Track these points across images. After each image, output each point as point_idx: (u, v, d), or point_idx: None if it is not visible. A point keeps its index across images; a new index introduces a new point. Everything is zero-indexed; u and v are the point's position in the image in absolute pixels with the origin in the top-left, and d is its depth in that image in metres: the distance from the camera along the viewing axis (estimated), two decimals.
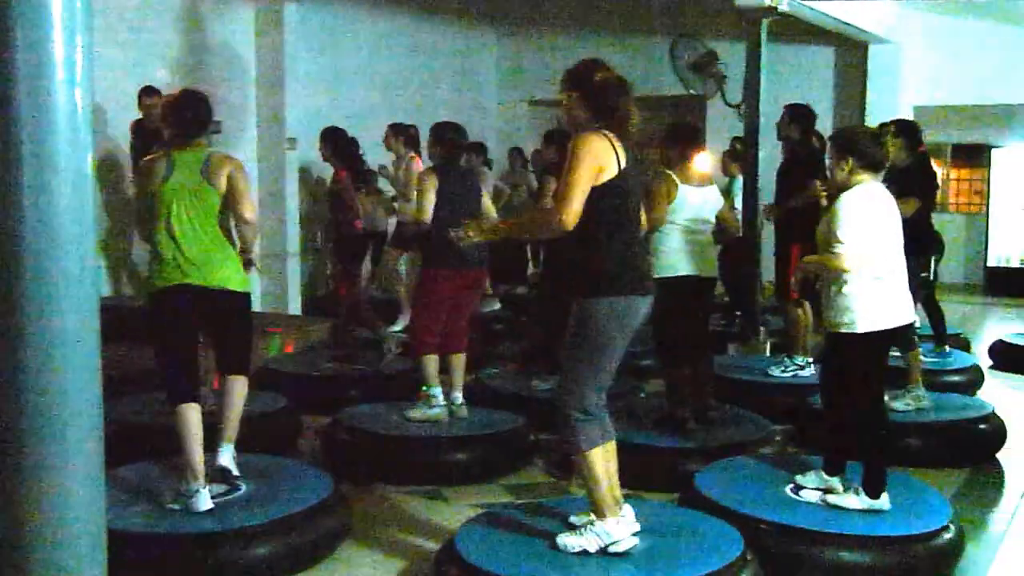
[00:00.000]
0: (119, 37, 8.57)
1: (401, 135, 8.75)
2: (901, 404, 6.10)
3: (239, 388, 4.59)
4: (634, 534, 3.87)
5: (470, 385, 6.33)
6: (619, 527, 3.83)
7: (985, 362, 8.54)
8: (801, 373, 6.97)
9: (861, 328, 4.33)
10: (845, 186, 4.43)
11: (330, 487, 4.56)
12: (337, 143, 7.55)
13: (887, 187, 6.10)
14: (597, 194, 3.72)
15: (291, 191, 9.96)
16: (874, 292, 4.35)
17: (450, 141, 5.91)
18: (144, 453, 4.91)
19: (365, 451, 5.55)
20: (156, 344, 4.48)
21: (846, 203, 4.35)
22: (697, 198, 5.69)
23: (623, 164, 3.77)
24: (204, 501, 4.24)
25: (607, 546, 3.81)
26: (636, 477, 4.58)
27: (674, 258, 5.61)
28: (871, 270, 4.32)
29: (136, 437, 5.31)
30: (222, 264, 4.45)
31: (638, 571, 3.71)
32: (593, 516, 3.85)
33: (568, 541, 3.83)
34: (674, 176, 5.63)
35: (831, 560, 4.11)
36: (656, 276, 5.52)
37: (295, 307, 10.03)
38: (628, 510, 3.90)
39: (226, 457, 4.51)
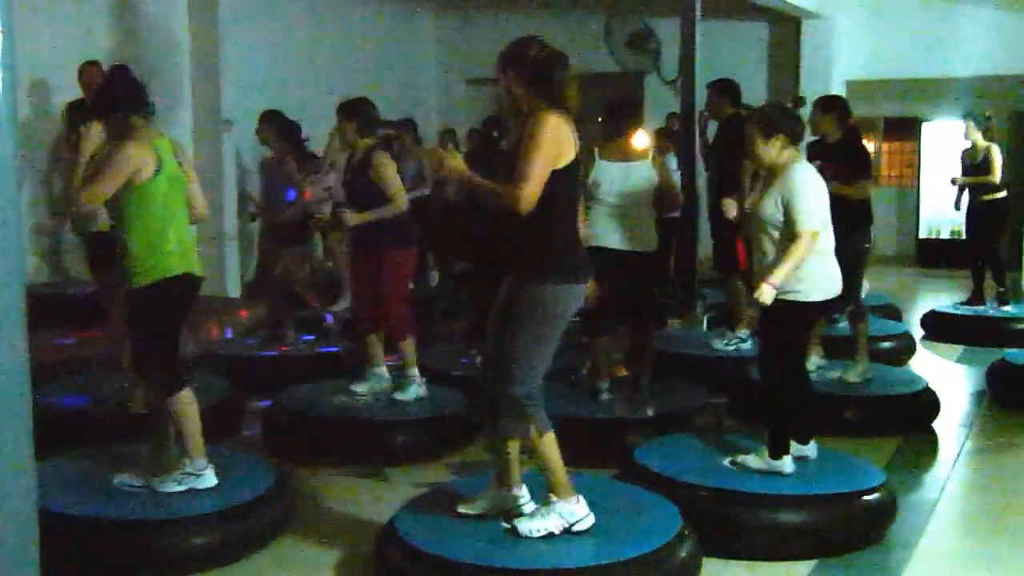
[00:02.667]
0: (47, 16, 8.38)
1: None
2: (854, 375, 6.23)
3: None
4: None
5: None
6: (579, 506, 3.85)
7: (917, 332, 8.73)
8: (743, 346, 7.07)
9: (812, 297, 4.46)
10: (775, 163, 4.49)
11: (271, 473, 4.53)
12: (282, 127, 7.49)
13: (819, 162, 6.25)
14: (555, 179, 3.67)
15: (228, 173, 9.83)
16: (821, 263, 4.50)
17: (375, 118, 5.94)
18: (81, 440, 4.85)
19: (306, 433, 5.53)
20: (154, 333, 4.37)
21: (802, 179, 4.44)
22: (619, 174, 5.69)
23: (577, 148, 3.76)
24: (212, 476, 4.32)
25: (571, 525, 3.83)
26: (573, 451, 4.59)
27: (594, 231, 5.65)
28: (819, 242, 4.45)
29: (72, 424, 5.25)
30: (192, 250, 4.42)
31: (575, 549, 3.74)
32: (552, 496, 3.85)
33: (531, 526, 3.82)
34: (595, 152, 5.67)
35: (768, 521, 4.20)
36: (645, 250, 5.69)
37: (233, 290, 9.92)
38: None
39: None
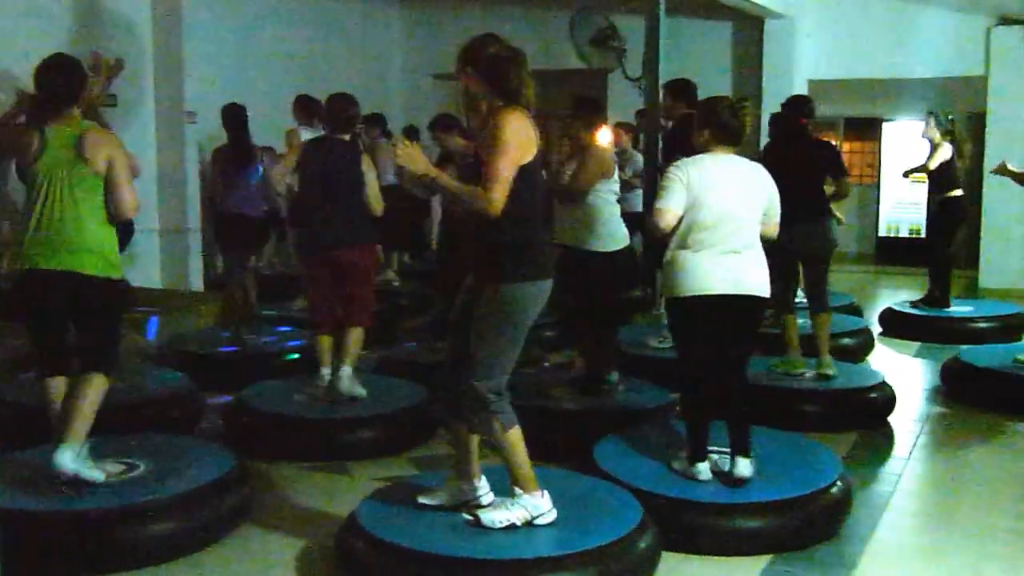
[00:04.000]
0: (7, 8, 8.29)
1: (307, 108, 8.63)
2: (832, 371, 6.32)
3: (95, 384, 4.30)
4: None
5: (377, 359, 6.36)
6: (544, 500, 3.88)
7: (876, 329, 8.85)
8: None
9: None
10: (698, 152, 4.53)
11: (231, 463, 4.53)
12: (227, 119, 7.46)
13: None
14: (520, 175, 3.69)
15: (191, 165, 9.76)
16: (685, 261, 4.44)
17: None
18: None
19: (267, 429, 5.52)
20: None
21: (674, 171, 4.45)
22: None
23: (537, 144, 3.78)
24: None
25: (534, 518, 3.86)
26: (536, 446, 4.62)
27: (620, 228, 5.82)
28: (693, 237, 4.40)
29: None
30: (85, 248, 4.19)
31: (535, 539, 3.77)
32: (517, 489, 3.88)
33: (495, 517, 3.85)
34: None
35: (726, 527, 4.24)
36: (611, 249, 5.74)
37: (196, 284, 9.86)
38: None
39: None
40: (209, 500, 4.23)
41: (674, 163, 4.50)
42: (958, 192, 8.74)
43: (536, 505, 3.87)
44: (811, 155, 6.39)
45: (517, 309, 3.76)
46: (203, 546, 4.17)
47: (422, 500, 4.06)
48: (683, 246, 4.42)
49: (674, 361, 4.71)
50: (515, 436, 3.85)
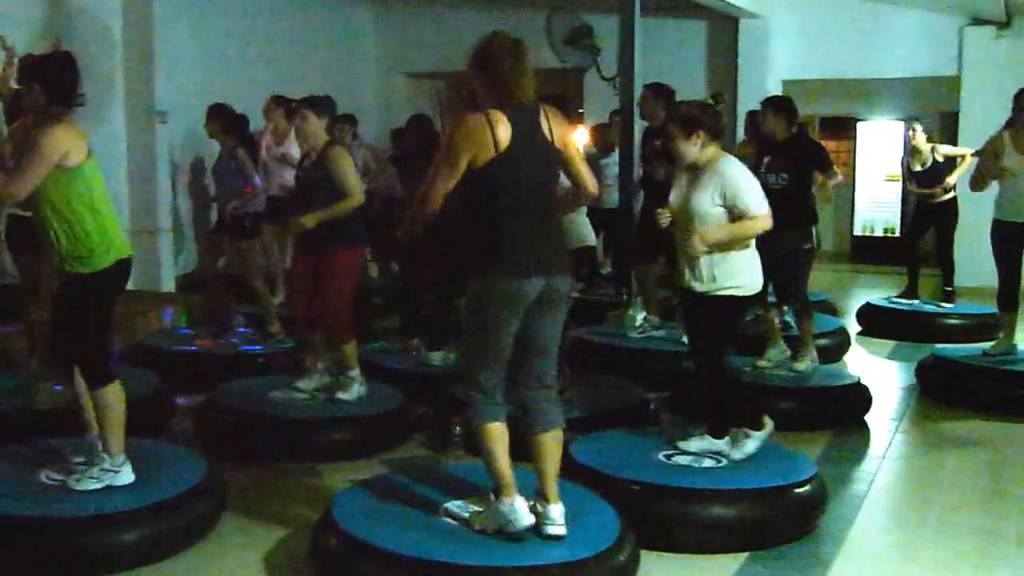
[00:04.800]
0: None
1: (283, 107, 8.57)
2: (803, 365, 6.41)
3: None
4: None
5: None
6: (514, 508, 3.72)
7: (853, 327, 8.86)
8: (654, 333, 7.21)
9: (746, 292, 4.55)
10: (698, 160, 4.53)
11: (203, 468, 4.47)
12: (225, 120, 7.46)
13: (770, 160, 6.32)
14: (485, 174, 3.65)
15: (161, 166, 9.67)
16: (752, 258, 4.57)
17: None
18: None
19: (240, 431, 5.46)
20: (94, 322, 4.27)
21: (738, 169, 4.51)
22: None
23: (507, 141, 3.65)
24: (130, 472, 4.23)
25: (503, 526, 3.74)
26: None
27: (587, 226, 5.96)
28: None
29: None
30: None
31: (511, 549, 3.69)
32: (491, 496, 3.79)
33: (464, 515, 3.86)
34: None
35: (700, 515, 4.24)
36: (575, 246, 5.75)
37: (168, 284, 9.77)
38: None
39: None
40: (179, 508, 4.16)
41: (732, 170, 4.51)
42: (952, 194, 8.88)
43: (503, 513, 3.73)
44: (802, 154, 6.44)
45: (484, 302, 3.70)
46: (174, 551, 4.10)
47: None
48: (748, 246, 4.54)
49: (708, 357, 4.73)
50: (487, 432, 3.75)
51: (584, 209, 5.87)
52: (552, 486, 3.77)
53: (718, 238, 4.47)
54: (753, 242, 4.57)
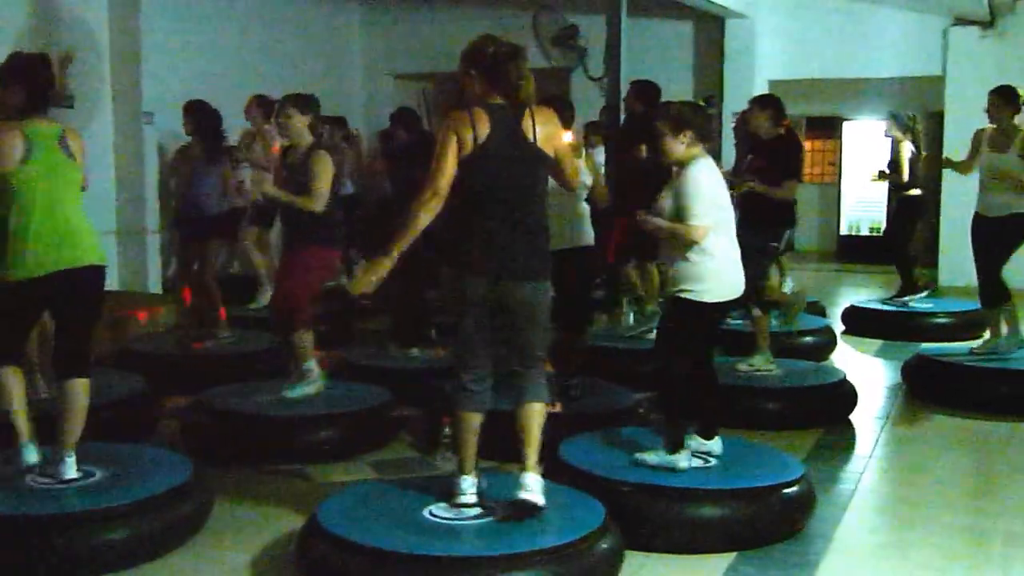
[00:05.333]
0: None
1: (264, 107, 8.56)
2: (759, 361, 6.41)
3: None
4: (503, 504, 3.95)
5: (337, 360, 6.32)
6: (464, 490, 3.99)
7: (839, 327, 8.89)
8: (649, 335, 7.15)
9: (708, 298, 4.45)
10: (682, 160, 4.51)
11: (188, 470, 4.45)
12: (198, 118, 7.39)
13: (752, 159, 6.33)
14: (462, 170, 3.76)
15: (149, 166, 9.62)
16: (719, 265, 4.47)
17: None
18: None
19: (226, 433, 5.44)
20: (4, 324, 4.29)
21: (696, 176, 4.43)
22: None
23: (484, 137, 3.77)
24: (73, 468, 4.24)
25: (457, 499, 3.99)
26: (499, 448, 4.58)
27: (589, 226, 5.88)
28: (718, 242, 4.44)
29: None
30: (83, 240, 4.28)
31: (502, 542, 3.73)
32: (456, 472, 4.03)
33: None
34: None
35: (688, 516, 4.25)
36: (577, 245, 5.74)
37: (155, 286, 9.73)
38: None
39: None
40: (165, 508, 4.14)
41: (692, 172, 4.45)
42: (915, 191, 8.85)
43: (462, 488, 3.99)
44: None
45: (456, 300, 3.90)
46: (158, 555, 4.09)
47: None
48: (703, 251, 4.43)
49: (666, 361, 4.66)
50: (457, 420, 4.01)
51: (586, 208, 5.87)
52: (531, 456, 3.94)
53: (656, 227, 4.51)
54: (722, 250, 4.46)
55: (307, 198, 5.54)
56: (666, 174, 4.69)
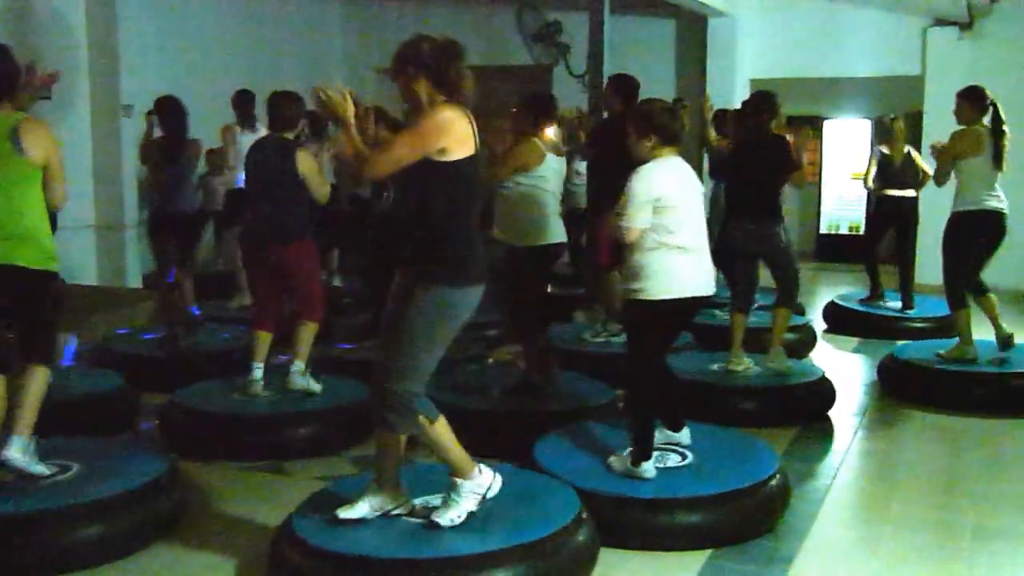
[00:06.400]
0: None
1: (243, 103, 8.50)
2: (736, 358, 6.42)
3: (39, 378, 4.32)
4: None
5: (318, 357, 6.29)
6: (483, 475, 3.90)
7: (819, 325, 8.93)
8: (614, 339, 7.14)
9: (657, 295, 4.44)
10: (647, 161, 4.52)
11: (164, 466, 4.45)
12: (161, 114, 7.33)
13: (756, 159, 6.35)
14: (450, 173, 3.69)
15: (128, 160, 9.58)
16: (669, 261, 4.43)
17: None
18: None
19: (204, 430, 5.44)
20: None
21: (636, 179, 4.43)
22: (558, 166, 5.90)
23: (476, 143, 3.77)
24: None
25: (484, 495, 3.89)
26: (480, 444, 4.59)
27: (553, 224, 5.78)
28: (665, 240, 4.41)
29: None
30: (26, 239, 4.17)
31: (474, 537, 3.74)
32: (456, 479, 3.87)
33: (451, 515, 3.82)
34: (539, 143, 5.76)
35: (664, 515, 4.26)
36: (535, 244, 5.69)
37: (133, 281, 9.70)
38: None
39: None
40: (139, 504, 4.15)
41: (634, 175, 4.45)
42: (913, 192, 8.88)
43: (479, 484, 3.88)
44: (773, 154, 6.45)
45: (444, 313, 3.74)
46: (131, 552, 4.08)
47: (343, 515, 3.87)
48: (654, 249, 4.42)
49: (625, 361, 4.70)
50: (441, 427, 3.85)
51: (555, 207, 5.88)
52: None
53: (613, 227, 4.50)
54: (671, 249, 4.42)
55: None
56: None
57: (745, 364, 6.40)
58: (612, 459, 4.58)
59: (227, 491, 4.89)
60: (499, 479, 3.94)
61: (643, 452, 4.45)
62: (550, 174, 5.79)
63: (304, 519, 3.91)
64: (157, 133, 7.45)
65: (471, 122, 3.78)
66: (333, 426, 5.53)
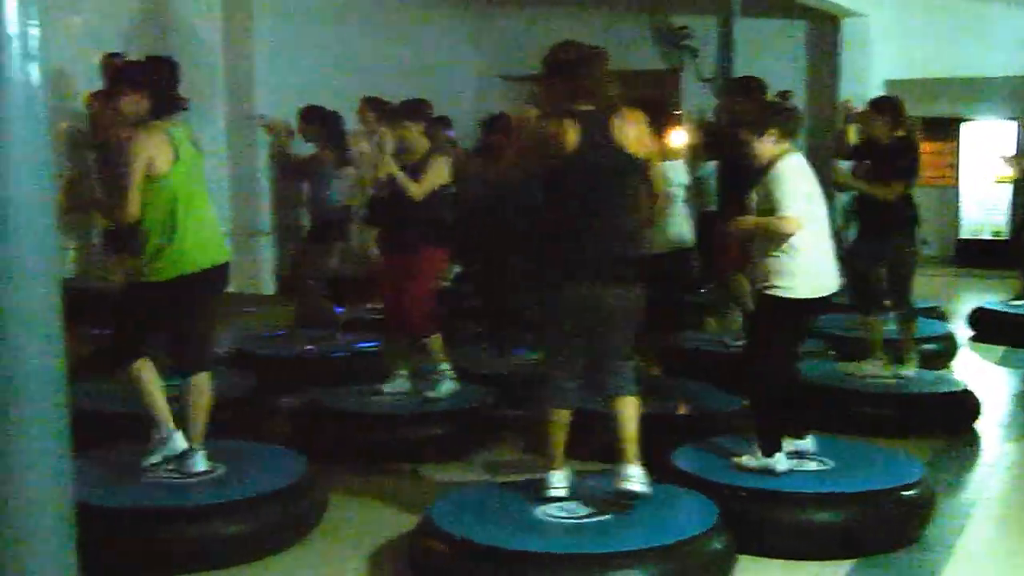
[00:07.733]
0: (78, 8, 8.40)
1: (376, 110, 8.63)
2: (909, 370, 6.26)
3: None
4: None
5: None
6: (554, 475, 4.09)
7: (964, 332, 8.57)
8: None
9: (797, 293, 4.36)
10: (772, 158, 4.43)
11: (303, 467, 4.51)
12: (326, 123, 7.49)
13: (871, 164, 6.17)
14: (554, 175, 3.85)
15: (262, 168, 9.84)
16: (808, 259, 4.37)
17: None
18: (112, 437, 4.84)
19: (337, 432, 5.49)
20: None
21: (787, 170, 4.37)
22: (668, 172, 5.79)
23: (575, 145, 3.79)
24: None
25: (541, 491, 4.07)
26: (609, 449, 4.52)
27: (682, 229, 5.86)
28: (807, 238, 4.35)
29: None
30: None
31: (620, 538, 3.73)
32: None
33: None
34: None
35: (804, 520, 4.16)
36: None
37: (268, 287, 9.95)
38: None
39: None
40: (280, 504, 4.21)
41: (780, 167, 4.39)
42: None
43: (546, 478, 4.08)
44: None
45: (557, 311, 3.98)
46: (272, 551, 4.15)
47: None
48: (798, 247, 4.34)
49: (754, 359, 4.59)
50: (550, 415, 4.09)
51: (683, 210, 5.81)
52: (628, 447, 4.00)
53: (747, 226, 4.50)
54: (812, 245, 4.36)
55: (414, 184, 5.64)
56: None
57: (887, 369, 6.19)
58: (742, 458, 4.48)
59: (361, 492, 4.92)
60: (558, 489, 4.08)
61: (772, 444, 4.37)
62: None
63: (444, 512, 3.96)
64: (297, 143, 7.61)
65: (575, 128, 3.81)
66: (462, 430, 5.54)
